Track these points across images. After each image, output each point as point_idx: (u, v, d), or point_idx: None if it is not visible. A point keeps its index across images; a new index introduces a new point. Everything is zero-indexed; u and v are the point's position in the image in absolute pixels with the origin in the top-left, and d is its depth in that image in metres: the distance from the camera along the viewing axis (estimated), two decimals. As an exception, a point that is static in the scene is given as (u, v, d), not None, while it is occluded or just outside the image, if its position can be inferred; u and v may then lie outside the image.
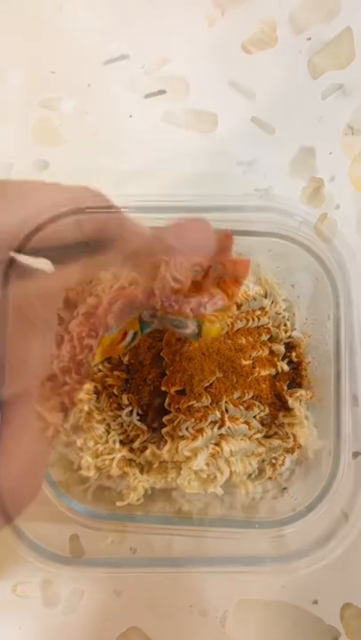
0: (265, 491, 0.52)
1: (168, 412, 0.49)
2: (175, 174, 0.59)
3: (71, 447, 0.44)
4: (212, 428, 0.49)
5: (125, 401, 0.50)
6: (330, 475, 0.47)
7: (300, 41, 0.60)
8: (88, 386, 0.47)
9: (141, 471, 0.51)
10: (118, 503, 0.49)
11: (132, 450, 0.50)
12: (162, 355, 0.49)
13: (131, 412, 0.50)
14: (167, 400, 0.49)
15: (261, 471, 0.52)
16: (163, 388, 0.49)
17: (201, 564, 0.43)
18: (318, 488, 0.47)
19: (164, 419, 0.49)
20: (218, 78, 0.60)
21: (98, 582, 0.49)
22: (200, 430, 0.48)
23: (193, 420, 0.47)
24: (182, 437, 0.48)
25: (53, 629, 0.49)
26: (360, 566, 0.53)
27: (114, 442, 0.50)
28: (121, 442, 0.50)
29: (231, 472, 0.49)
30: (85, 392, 0.49)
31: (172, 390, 0.48)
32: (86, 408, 0.51)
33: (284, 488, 0.50)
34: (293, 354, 0.53)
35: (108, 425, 0.50)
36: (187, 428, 0.48)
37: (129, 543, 0.45)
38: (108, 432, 0.51)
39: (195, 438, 0.48)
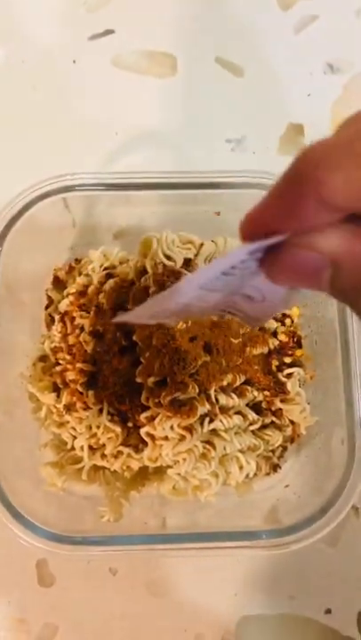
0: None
1: (146, 408, 0.41)
2: (137, 133, 0.55)
3: (64, 427, 0.44)
4: (201, 424, 0.41)
5: (92, 398, 0.42)
6: (346, 467, 0.41)
7: None
8: (80, 365, 0.42)
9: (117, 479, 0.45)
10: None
11: (103, 456, 0.42)
12: (135, 339, 0.41)
13: (100, 411, 0.42)
14: (144, 394, 0.41)
15: (258, 468, 0.45)
16: (138, 380, 0.41)
17: (196, 539, 0.43)
18: (329, 480, 0.42)
19: (142, 416, 0.41)
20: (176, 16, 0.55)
21: (93, 560, 0.49)
22: (188, 428, 0.40)
23: (179, 416, 0.40)
24: (166, 438, 0.41)
25: (48, 608, 0.49)
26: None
27: (81, 449, 0.43)
28: (90, 448, 0.43)
29: (227, 473, 0.43)
30: (77, 372, 0.43)
31: (150, 381, 0.40)
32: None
33: (277, 465, 0.50)
34: (287, 327, 0.47)
35: (73, 428, 0.43)
36: (171, 427, 0.40)
37: (122, 520, 0.45)
38: (73, 437, 0.43)
39: (182, 438, 0.40)
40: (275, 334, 0.46)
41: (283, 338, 0.46)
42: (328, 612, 0.50)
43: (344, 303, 0.21)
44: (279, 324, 0.46)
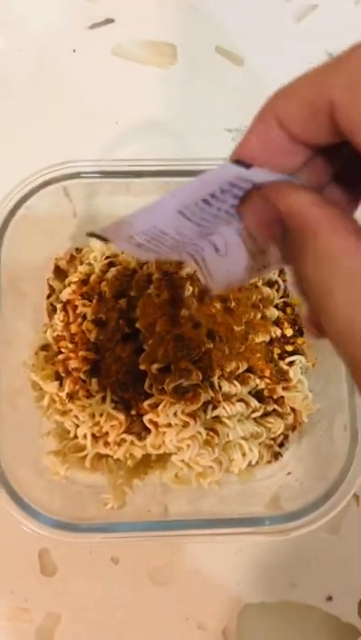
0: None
1: (150, 396, 0.41)
2: (138, 122, 0.54)
3: (67, 415, 0.44)
4: (204, 411, 0.41)
5: (95, 386, 0.42)
6: (348, 454, 0.42)
7: None
8: (83, 353, 0.42)
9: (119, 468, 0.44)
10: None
11: (106, 444, 0.43)
12: (137, 326, 0.41)
13: (103, 399, 0.42)
14: (147, 381, 0.41)
15: (260, 456, 0.45)
16: (141, 367, 0.41)
17: (199, 526, 0.43)
18: (331, 467, 0.42)
19: (145, 403, 0.41)
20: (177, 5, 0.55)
21: (95, 549, 0.49)
22: (191, 414, 0.40)
23: (182, 402, 0.40)
24: (169, 425, 0.41)
25: (50, 597, 0.49)
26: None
27: (84, 437, 0.43)
28: (93, 436, 0.43)
29: (230, 461, 0.43)
30: (80, 361, 0.44)
31: (154, 368, 0.40)
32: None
33: (278, 453, 0.50)
34: (288, 315, 0.47)
35: (76, 417, 0.43)
36: (175, 414, 0.40)
37: (125, 508, 0.45)
38: (76, 425, 0.43)
39: (186, 425, 0.40)
40: (277, 323, 0.46)
41: (286, 328, 0.46)
42: (329, 599, 0.50)
43: (289, 264, 0.23)
44: (281, 312, 0.46)
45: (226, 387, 0.42)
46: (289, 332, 0.47)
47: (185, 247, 0.26)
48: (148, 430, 0.42)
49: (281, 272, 0.48)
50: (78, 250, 0.49)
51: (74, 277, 0.45)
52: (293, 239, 0.21)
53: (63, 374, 0.43)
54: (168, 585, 0.50)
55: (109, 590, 0.50)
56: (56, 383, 0.43)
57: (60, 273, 0.49)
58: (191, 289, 0.40)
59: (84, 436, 0.43)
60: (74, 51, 0.55)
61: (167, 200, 0.22)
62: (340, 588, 0.50)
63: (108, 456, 0.44)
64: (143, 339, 0.41)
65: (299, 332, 0.47)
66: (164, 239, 0.25)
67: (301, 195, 0.21)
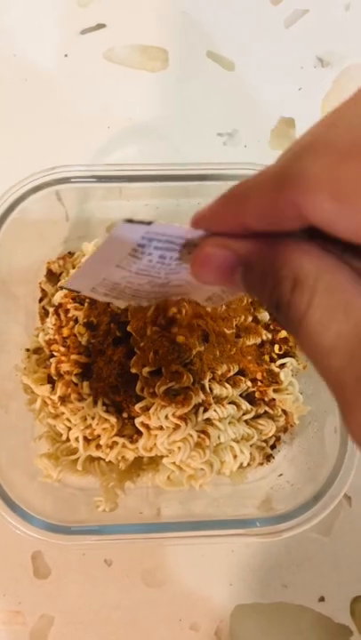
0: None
1: (141, 399, 0.41)
2: (129, 127, 0.55)
3: (59, 419, 0.44)
4: (195, 414, 0.41)
5: (87, 389, 0.42)
6: (338, 455, 0.42)
7: None
8: (75, 357, 0.42)
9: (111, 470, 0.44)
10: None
11: (98, 447, 0.43)
12: (129, 329, 0.41)
13: (95, 402, 0.42)
14: (139, 384, 0.41)
15: (252, 458, 0.45)
16: (133, 370, 0.41)
17: (191, 528, 0.43)
18: (322, 468, 0.43)
19: (137, 406, 0.41)
20: (168, 10, 0.55)
21: (88, 552, 0.50)
22: (183, 417, 0.40)
23: (173, 405, 0.40)
24: (161, 428, 0.41)
25: (44, 599, 0.50)
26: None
27: (76, 440, 0.43)
28: (85, 439, 0.43)
29: (221, 463, 0.43)
30: (72, 364, 0.44)
31: (145, 372, 0.40)
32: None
33: (270, 455, 0.50)
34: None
35: (68, 420, 0.43)
36: (166, 416, 0.40)
37: (117, 510, 0.45)
38: (68, 428, 0.43)
39: (177, 427, 0.40)
40: (268, 326, 0.46)
41: (278, 330, 0.46)
42: (322, 599, 0.50)
43: (254, 296, 0.24)
44: (268, 312, 0.47)
45: (217, 389, 0.42)
46: (282, 334, 0.47)
47: (149, 295, 0.29)
48: (139, 433, 0.42)
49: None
50: (70, 253, 0.50)
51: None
52: (260, 276, 0.22)
53: (55, 377, 0.43)
54: (161, 586, 0.50)
55: (102, 592, 0.50)
56: (48, 386, 0.43)
57: (52, 276, 0.49)
58: (182, 292, 0.40)
59: (76, 439, 0.43)
60: (65, 55, 0.55)
61: (98, 255, 0.25)
62: (332, 588, 0.50)
63: (100, 459, 0.44)
64: (134, 342, 0.41)
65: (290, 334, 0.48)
66: (121, 289, 0.27)
67: (253, 238, 0.22)
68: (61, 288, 0.43)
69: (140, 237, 0.23)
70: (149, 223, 0.22)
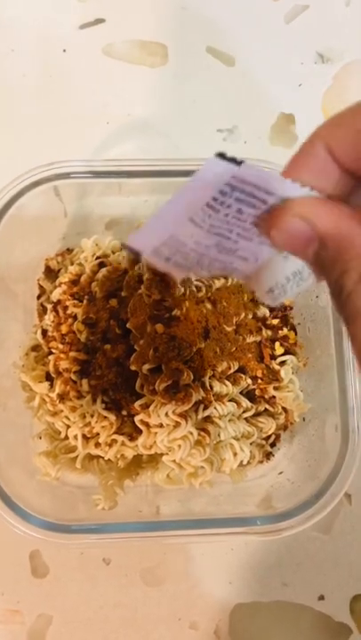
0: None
1: (141, 396, 0.41)
2: (129, 123, 0.54)
3: (57, 416, 0.43)
4: (195, 411, 0.41)
5: (86, 387, 0.41)
6: (339, 453, 0.42)
7: None
8: (74, 354, 0.42)
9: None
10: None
11: (97, 445, 0.42)
12: (128, 326, 0.41)
13: (94, 399, 0.41)
14: (138, 381, 0.41)
15: (252, 456, 0.45)
16: (132, 368, 0.40)
17: (190, 526, 0.43)
18: (322, 466, 0.42)
19: (137, 404, 0.41)
20: (168, 5, 0.55)
21: (86, 550, 0.49)
22: (183, 415, 0.40)
23: (173, 403, 0.39)
24: (160, 426, 0.40)
25: (42, 598, 0.49)
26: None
27: (75, 438, 0.42)
28: (84, 437, 0.42)
29: (221, 460, 0.43)
30: (70, 361, 0.43)
31: (145, 369, 0.40)
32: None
33: (270, 453, 0.50)
34: (280, 316, 0.47)
35: (67, 417, 0.42)
36: (166, 414, 0.40)
37: (116, 508, 0.45)
38: (67, 426, 0.43)
39: (177, 425, 0.40)
40: (265, 322, 0.46)
41: (278, 327, 0.46)
42: (321, 598, 0.50)
43: (322, 277, 0.23)
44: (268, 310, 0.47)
45: (217, 387, 0.42)
46: (282, 332, 0.47)
47: (213, 263, 0.26)
48: (139, 431, 0.41)
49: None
50: (69, 250, 0.49)
51: (64, 278, 0.45)
52: (333, 258, 0.21)
53: (54, 375, 0.43)
54: (160, 585, 0.50)
55: (101, 591, 0.50)
56: (46, 384, 0.43)
57: (50, 273, 0.48)
58: (182, 289, 0.40)
59: (75, 437, 0.42)
60: (64, 51, 0.55)
61: (172, 205, 0.22)
62: (332, 587, 0.50)
63: (98, 457, 0.43)
64: (134, 339, 0.41)
65: (293, 329, 0.48)
66: (185, 252, 0.25)
67: (343, 213, 0.21)
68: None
69: (224, 182, 0.21)
70: (240, 163, 0.20)
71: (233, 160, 0.20)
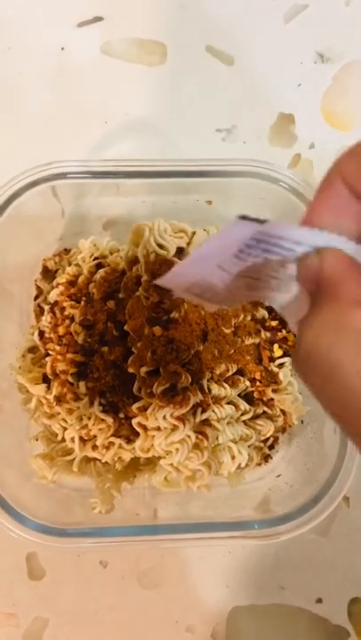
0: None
1: (138, 399, 0.40)
2: (127, 122, 0.54)
3: (54, 419, 0.43)
4: (193, 414, 0.40)
5: (83, 389, 0.41)
6: (338, 456, 0.41)
7: None
8: (71, 356, 0.42)
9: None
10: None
11: (94, 447, 0.42)
12: (126, 328, 0.41)
13: (91, 402, 0.41)
14: (136, 384, 0.40)
15: (250, 458, 0.45)
16: (130, 370, 0.40)
17: (188, 530, 0.43)
18: (321, 469, 0.42)
19: (134, 406, 0.40)
20: (166, 4, 0.54)
21: (83, 553, 0.49)
22: (181, 418, 0.39)
23: (171, 406, 0.39)
24: (158, 428, 0.40)
25: (38, 601, 0.49)
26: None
27: (72, 440, 0.42)
28: (81, 439, 0.42)
29: (219, 464, 0.42)
30: (67, 363, 0.42)
31: (142, 371, 0.40)
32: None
33: (268, 455, 0.50)
34: (278, 318, 0.46)
35: (64, 420, 0.42)
36: (164, 417, 0.39)
37: (113, 512, 0.45)
38: (64, 428, 0.43)
39: (175, 428, 0.40)
40: (264, 324, 0.46)
41: (274, 324, 0.45)
42: (319, 601, 0.50)
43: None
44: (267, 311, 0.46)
45: (215, 389, 0.42)
46: (281, 334, 0.47)
47: (242, 297, 0.27)
48: (136, 434, 0.41)
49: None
50: (67, 250, 0.49)
51: (62, 278, 0.44)
52: (314, 298, 0.21)
53: (51, 377, 0.43)
54: (157, 588, 0.49)
55: (98, 594, 0.49)
56: (43, 386, 0.43)
57: (47, 274, 0.48)
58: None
59: (72, 440, 0.42)
60: (62, 49, 0.54)
61: (200, 254, 0.23)
62: (329, 590, 0.50)
63: (95, 459, 0.43)
64: (132, 341, 0.40)
65: (290, 333, 0.47)
66: (216, 291, 0.26)
67: (339, 259, 0.21)
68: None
69: (250, 237, 0.22)
70: (263, 222, 0.21)
71: (256, 220, 0.21)
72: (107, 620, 0.49)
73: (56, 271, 0.48)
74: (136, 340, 0.40)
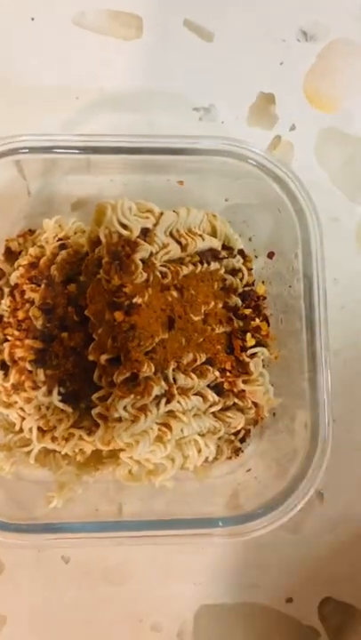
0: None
1: (99, 388, 0.38)
2: (99, 98, 0.51)
3: (12, 408, 0.41)
4: (157, 405, 0.38)
5: (42, 377, 0.39)
6: (309, 450, 0.40)
7: None
8: (30, 342, 0.39)
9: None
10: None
11: (54, 439, 0.40)
12: (87, 313, 0.38)
13: (50, 390, 0.39)
14: (96, 372, 0.38)
15: (220, 452, 0.44)
16: (90, 358, 0.38)
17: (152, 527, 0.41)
18: (292, 464, 0.41)
19: (94, 396, 0.38)
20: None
21: (44, 548, 0.47)
22: (142, 409, 0.38)
23: (132, 396, 0.37)
24: (119, 419, 0.38)
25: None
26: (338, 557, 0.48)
27: (30, 430, 0.40)
28: (39, 429, 0.40)
29: (184, 457, 0.41)
30: (26, 349, 0.40)
31: (103, 359, 0.37)
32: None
33: (239, 449, 0.48)
34: (252, 306, 0.44)
35: (22, 409, 0.40)
36: (125, 408, 0.37)
37: (75, 506, 0.43)
38: (22, 418, 0.41)
39: (136, 420, 0.38)
40: (236, 312, 0.43)
41: (247, 312, 0.43)
42: (289, 600, 0.48)
43: None
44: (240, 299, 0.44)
45: (182, 379, 0.40)
46: (254, 323, 0.45)
47: None
48: (98, 425, 0.39)
49: (245, 259, 0.46)
50: (31, 231, 0.46)
51: (23, 260, 0.42)
52: None
53: (9, 363, 0.40)
54: (121, 585, 0.48)
55: (59, 591, 0.47)
56: (0, 373, 0.40)
57: (10, 255, 0.45)
58: (145, 275, 0.37)
59: (30, 430, 0.40)
60: (32, 19, 0.51)
61: None
62: (300, 589, 0.48)
63: (55, 451, 0.41)
64: (92, 327, 0.38)
65: (265, 320, 0.45)
66: None
67: None
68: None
69: None
70: None
71: None
72: (69, 617, 0.47)
73: (20, 252, 0.45)
74: (97, 325, 0.38)
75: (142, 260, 0.37)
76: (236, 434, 0.46)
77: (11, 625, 0.46)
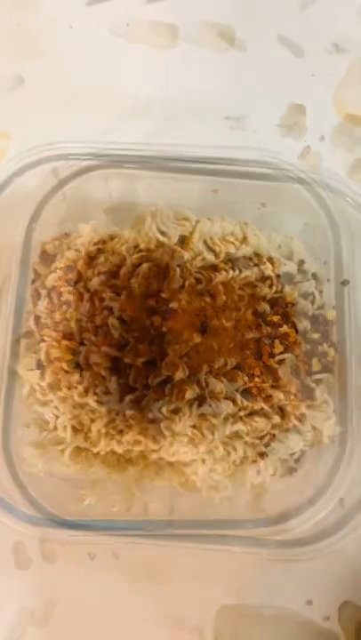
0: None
1: (133, 390, 0.40)
2: (133, 105, 0.52)
3: (47, 406, 0.42)
4: (189, 408, 0.40)
5: (78, 378, 0.41)
6: (336, 457, 0.41)
7: None
8: (67, 343, 0.41)
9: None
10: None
11: (87, 438, 0.41)
12: (123, 317, 0.40)
13: (85, 391, 0.40)
14: (131, 375, 0.39)
15: (245, 455, 0.44)
16: (126, 360, 0.39)
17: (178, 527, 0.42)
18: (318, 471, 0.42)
19: (128, 398, 0.40)
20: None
21: (71, 544, 0.48)
22: (176, 411, 0.39)
23: (166, 398, 0.38)
24: (153, 421, 0.39)
25: (23, 591, 0.48)
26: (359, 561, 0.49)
27: (64, 429, 0.41)
28: (74, 428, 0.41)
29: (215, 460, 0.42)
30: (63, 350, 0.42)
31: (139, 362, 0.39)
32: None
33: (264, 453, 0.48)
34: (280, 313, 0.45)
35: (57, 408, 0.41)
36: (159, 410, 0.39)
37: (109, 504, 0.43)
38: (56, 416, 0.42)
39: (170, 422, 0.39)
40: (265, 318, 0.44)
41: (276, 319, 0.44)
42: (309, 603, 0.49)
43: None
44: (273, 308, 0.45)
45: (213, 384, 0.41)
46: (282, 330, 0.45)
47: None
48: (130, 426, 0.40)
49: (273, 266, 0.47)
50: (66, 234, 0.48)
51: (60, 263, 0.43)
52: None
53: (45, 363, 0.41)
54: (147, 582, 0.48)
55: (84, 586, 0.48)
56: (37, 372, 0.41)
57: (46, 258, 0.47)
58: (182, 281, 0.38)
59: (64, 429, 0.41)
60: (71, 27, 0.53)
61: None
62: (320, 592, 0.49)
63: (87, 450, 0.42)
64: (128, 331, 0.39)
65: (293, 327, 0.46)
66: None
67: None
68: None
69: None
70: None
71: None
72: (94, 611, 0.48)
73: (55, 255, 0.46)
74: (133, 329, 0.39)
75: (178, 266, 0.39)
76: (261, 438, 0.46)
77: (38, 618, 0.47)
